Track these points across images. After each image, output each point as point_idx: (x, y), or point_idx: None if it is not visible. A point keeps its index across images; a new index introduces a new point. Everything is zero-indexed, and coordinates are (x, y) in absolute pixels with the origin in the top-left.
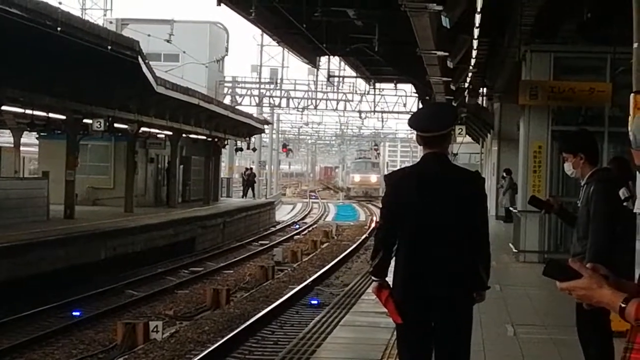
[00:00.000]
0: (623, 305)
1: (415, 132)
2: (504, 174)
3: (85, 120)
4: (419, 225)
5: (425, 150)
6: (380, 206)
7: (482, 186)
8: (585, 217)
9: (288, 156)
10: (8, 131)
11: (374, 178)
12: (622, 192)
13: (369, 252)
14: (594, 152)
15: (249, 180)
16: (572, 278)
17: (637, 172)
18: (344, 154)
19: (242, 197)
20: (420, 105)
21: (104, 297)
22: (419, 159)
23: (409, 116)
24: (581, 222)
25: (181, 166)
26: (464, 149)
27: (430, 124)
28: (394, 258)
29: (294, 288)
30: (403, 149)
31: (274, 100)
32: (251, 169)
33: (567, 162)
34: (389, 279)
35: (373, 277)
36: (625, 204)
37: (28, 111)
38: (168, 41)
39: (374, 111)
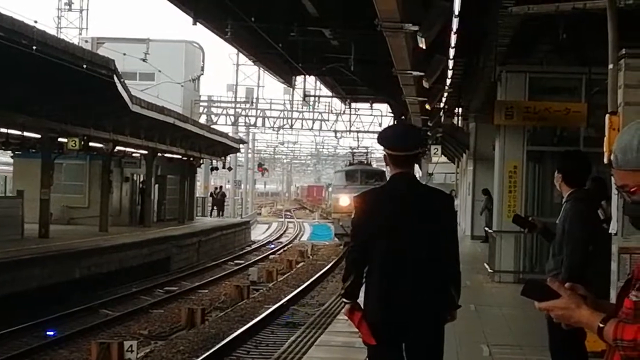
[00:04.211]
0: (601, 325)
1: (386, 151)
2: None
3: (60, 139)
4: (390, 247)
5: (395, 170)
6: (351, 228)
7: (452, 206)
8: (561, 234)
9: (263, 175)
10: None
11: None
12: (599, 213)
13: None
14: (572, 173)
15: (220, 200)
16: (551, 298)
17: (615, 193)
18: (319, 174)
19: (217, 216)
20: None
21: (79, 316)
22: (388, 180)
23: (382, 135)
24: (557, 239)
25: (156, 185)
26: (439, 168)
27: (408, 143)
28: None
29: (269, 308)
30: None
31: (249, 120)
32: (221, 187)
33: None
34: (361, 300)
35: (345, 300)
36: (604, 225)
37: (3, 130)
38: (144, 60)
39: (350, 131)
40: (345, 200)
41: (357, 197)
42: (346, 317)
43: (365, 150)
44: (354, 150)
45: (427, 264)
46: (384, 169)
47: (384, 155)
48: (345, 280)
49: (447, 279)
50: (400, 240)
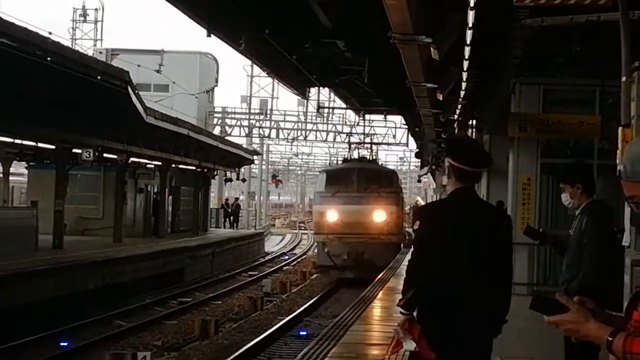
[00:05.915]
0: (610, 339)
1: (457, 165)
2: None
3: (74, 150)
4: (453, 261)
5: (459, 185)
6: (414, 238)
7: (510, 223)
8: (575, 245)
9: (277, 187)
10: None
11: (388, 214)
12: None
13: (357, 283)
14: (590, 183)
15: (235, 211)
16: (560, 312)
17: (626, 204)
18: None
19: (231, 228)
20: (411, 137)
21: (92, 327)
22: (450, 194)
23: (453, 148)
24: (571, 250)
25: (170, 196)
26: None
27: (486, 160)
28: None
29: (283, 319)
30: None
31: (263, 131)
32: (236, 198)
33: (565, 192)
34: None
35: (403, 311)
36: (618, 236)
37: (17, 141)
38: (158, 71)
39: (364, 143)
40: (332, 215)
41: (421, 208)
42: (400, 329)
43: (371, 141)
44: (353, 140)
45: (487, 279)
46: (393, 167)
47: (448, 166)
48: (405, 292)
49: (501, 295)
50: (463, 256)
